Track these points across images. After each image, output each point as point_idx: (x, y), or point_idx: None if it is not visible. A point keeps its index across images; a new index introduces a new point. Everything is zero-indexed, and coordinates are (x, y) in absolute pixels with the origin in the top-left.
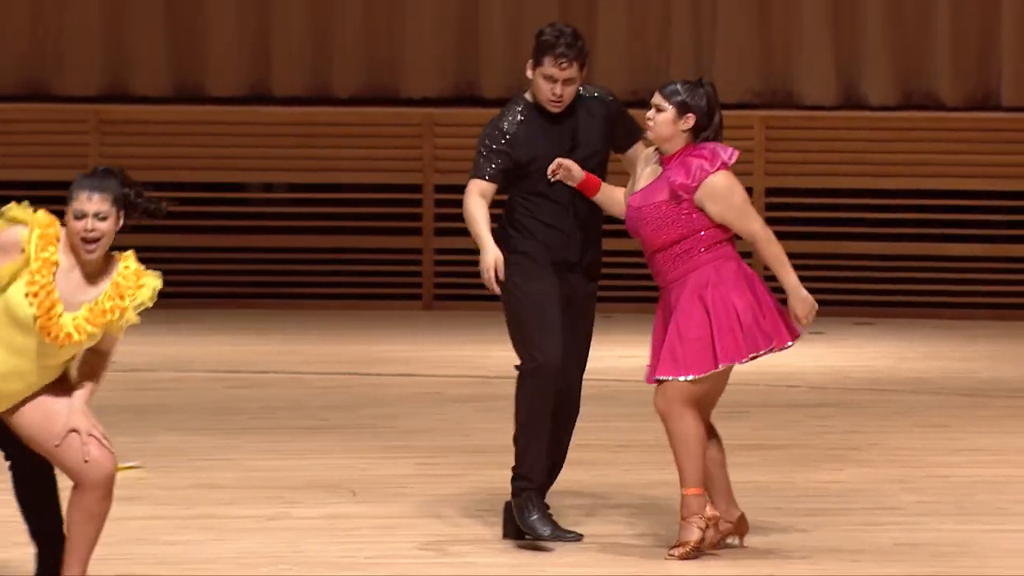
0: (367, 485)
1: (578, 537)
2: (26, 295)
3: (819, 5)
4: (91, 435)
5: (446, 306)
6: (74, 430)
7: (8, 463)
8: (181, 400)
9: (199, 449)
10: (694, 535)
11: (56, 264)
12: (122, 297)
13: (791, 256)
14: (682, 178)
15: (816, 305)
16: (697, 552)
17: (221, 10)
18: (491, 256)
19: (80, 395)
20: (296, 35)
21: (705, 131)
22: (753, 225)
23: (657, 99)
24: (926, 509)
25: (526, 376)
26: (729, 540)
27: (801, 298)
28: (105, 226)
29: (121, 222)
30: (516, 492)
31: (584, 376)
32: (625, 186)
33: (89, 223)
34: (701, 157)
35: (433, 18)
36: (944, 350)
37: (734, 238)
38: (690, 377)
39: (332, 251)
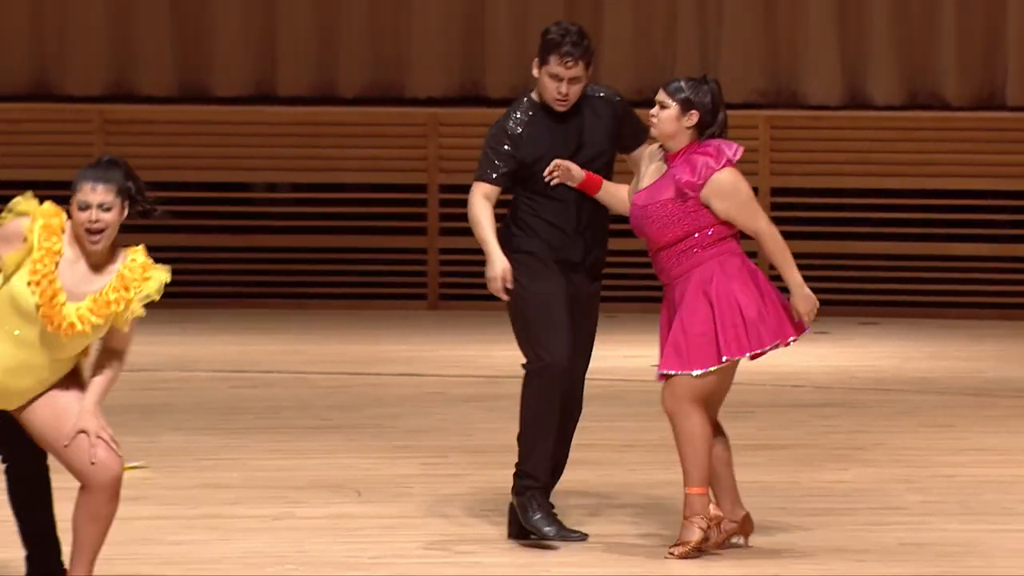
0: (371, 485)
1: (583, 537)
2: (28, 284)
3: (825, 4)
4: (99, 437)
5: (451, 306)
6: (83, 431)
7: (3, 465)
8: (186, 400)
9: (204, 449)
10: (695, 535)
11: (59, 253)
12: (127, 289)
13: (796, 256)
14: (688, 176)
15: (818, 303)
16: (697, 552)
17: (226, 10)
18: (498, 267)
19: (91, 395)
20: (301, 35)
21: (709, 128)
22: (759, 222)
23: (661, 96)
24: (932, 509)
25: (533, 376)
26: (734, 540)
27: (804, 296)
28: (109, 217)
29: (126, 212)
30: (520, 491)
31: (588, 376)
32: (629, 184)
33: (93, 214)
34: (706, 154)
35: (439, 17)
36: (949, 350)
37: (738, 234)
38: (695, 372)
39: (337, 251)
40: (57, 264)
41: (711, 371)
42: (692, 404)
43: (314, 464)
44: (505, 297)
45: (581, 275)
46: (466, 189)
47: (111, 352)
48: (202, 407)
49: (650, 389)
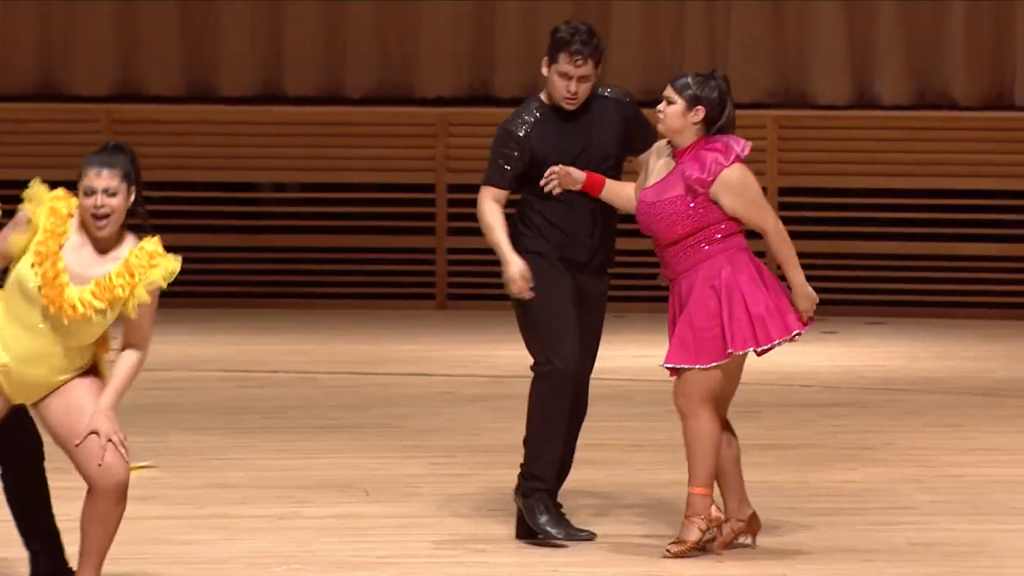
0: (379, 484)
1: (591, 536)
2: (32, 265)
3: (833, 4)
4: (109, 440)
5: (459, 305)
6: (95, 432)
7: (1, 466)
8: (193, 400)
9: (211, 448)
10: (693, 535)
11: (63, 235)
12: (132, 275)
13: (804, 255)
14: (697, 172)
15: (817, 299)
16: (694, 552)
17: (233, 9)
18: (515, 268)
19: (108, 396)
20: (309, 34)
21: (717, 123)
22: (767, 219)
23: (668, 91)
24: (940, 509)
25: (542, 379)
26: (741, 539)
27: (805, 295)
28: (115, 202)
29: (132, 198)
30: (527, 493)
31: (596, 376)
32: (635, 182)
33: (99, 199)
34: (715, 150)
35: (447, 17)
36: (957, 350)
37: (744, 231)
38: (702, 366)
39: (345, 251)
40: (61, 246)
41: (718, 365)
42: (703, 403)
43: (321, 464)
44: (530, 295)
45: (589, 275)
46: (474, 189)
47: (129, 349)
48: (210, 407)
49: (658, 389)
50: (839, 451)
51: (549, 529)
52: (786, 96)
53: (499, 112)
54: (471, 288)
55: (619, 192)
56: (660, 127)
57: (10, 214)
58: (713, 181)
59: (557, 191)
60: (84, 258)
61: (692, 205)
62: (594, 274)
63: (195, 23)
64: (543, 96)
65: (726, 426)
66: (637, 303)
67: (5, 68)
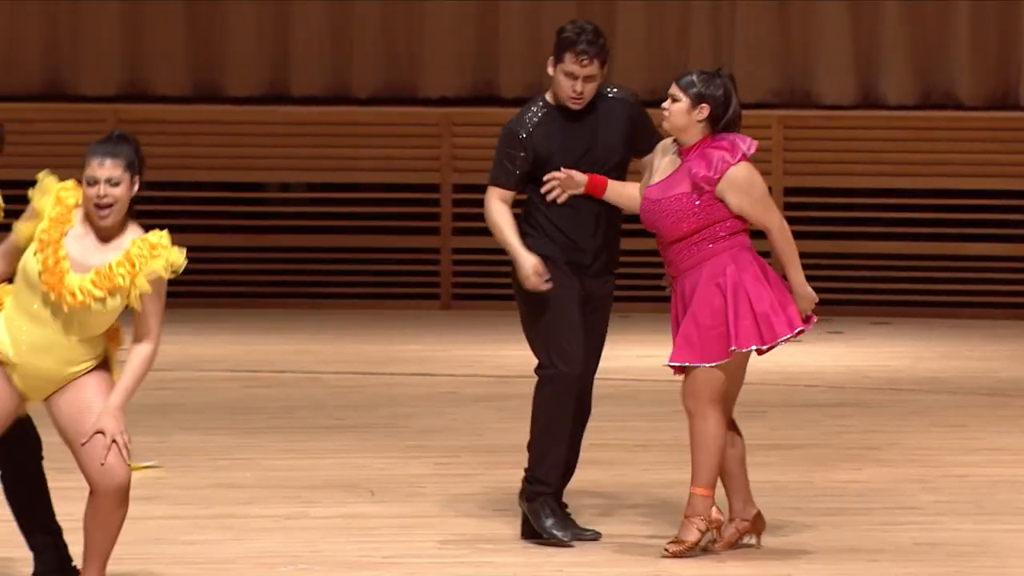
0: (385, 484)
1: (596, 535)
2: (35, 253)
3: (838, 4)
4: (114, 440)
5: (464, 306)
6: (100, 431)
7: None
8: (199, 400)
9: (217, 448)
10: (692, 535)
11: (67, 223)
12: (132, 264)
13: (809, 255)
14: (704, 170)
15: (817, 298)
16: (692, 552)
17: (240, 10)
18: (528, 264)
19: (116, 396)
20: (315, 34)
21: (722, 120)
22: (772, 218)
23: (673, 89)
24: (945, 509)
25: (546, 382)
26: (746, 539)
27: (805, 295)
28: (118, 192)
29: (135, 188)
30: (531, 496)
31: (601, 376)
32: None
33: (101, 189)
34: (721, 148)
35: (452, 17)
36: (962, 350)
37: (748, 229)
38: (708, 364)
39: (350, 251)
40: (64, 235)
41: (724, 363)
42: (712, 404)
43: (327, 464)
44: (547, 286)
45: (593, 276)
46: (480, 189)
47: (139, 344)
48: (215, 407)
49: (663, 389)
50: (844, 451)
51: (555, 532)
52: (791, 96)
53: (503, 112)
54: (476, 288)
55: (623, 192)
56: (665, 125)
57: (16, 214)
58: (719, 179)
59: (562, 199)
60: (86, 247)
61: (698, 202)
62: (599, 275)
63: (202, 23)
64: (548, 96)
65: (731, 426)
66: (642, 303)
67: (12, 68)
